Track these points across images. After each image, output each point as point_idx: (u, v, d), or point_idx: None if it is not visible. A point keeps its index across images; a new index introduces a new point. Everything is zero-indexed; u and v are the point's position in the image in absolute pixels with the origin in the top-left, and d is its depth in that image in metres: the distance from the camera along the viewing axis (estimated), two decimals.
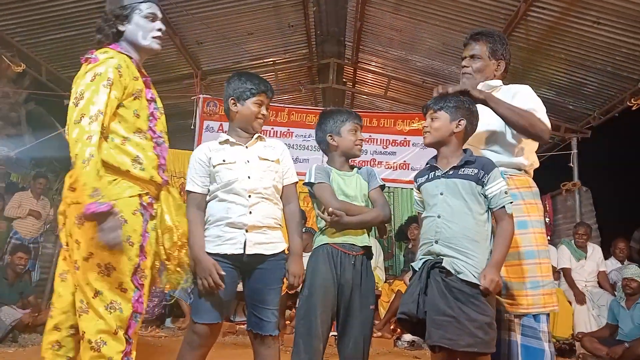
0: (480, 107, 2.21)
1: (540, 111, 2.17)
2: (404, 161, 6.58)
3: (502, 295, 2.06)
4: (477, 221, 2.03)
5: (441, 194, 2.09)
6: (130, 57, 1.94)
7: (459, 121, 2.13)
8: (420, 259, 2.10)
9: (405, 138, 6.65)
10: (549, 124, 2.18)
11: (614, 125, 6.35)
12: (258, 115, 2.29)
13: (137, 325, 1.86)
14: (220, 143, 2.30)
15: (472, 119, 2.16)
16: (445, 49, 6.23)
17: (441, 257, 2.02)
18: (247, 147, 2.29)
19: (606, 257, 5.80)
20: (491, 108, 2.13)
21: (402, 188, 6.80)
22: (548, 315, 2.12)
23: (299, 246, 2.29)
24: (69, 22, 5.26)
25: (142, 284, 1.85)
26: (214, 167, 2.23)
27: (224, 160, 2.23)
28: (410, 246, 5.91)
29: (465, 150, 2.16)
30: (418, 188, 2.24)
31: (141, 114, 1.91)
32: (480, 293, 1.93)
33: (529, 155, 2.25)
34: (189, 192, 2.26)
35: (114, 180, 1.84)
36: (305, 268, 2.32)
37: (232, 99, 2.29)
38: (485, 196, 2.05)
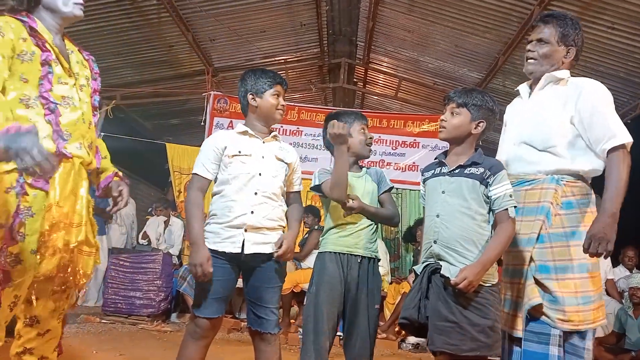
0: (539, 100, 2.10)
1: (618, 131, 1.96)
2: (413, 162, 6.56)
3: (552, 310, 1.93)
4: (476, 221, 2.00)
5: (443, 192, 2.06)
6: (23, 21, 1.79)
7: (479, 122, 2.08)
8: (423, 262, 2.09)
9: (414, 139, 6.64)
10: (626, 137, 1.96)
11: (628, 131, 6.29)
12: (278, 106, 2.32)
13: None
14: (238, 133, 2.31)
15: (493, 121, 2.11)
16: (457, 51, 6.22)
17: (441, 261, 2.00)
18: (264, 142, 2.31)
19: (614, 265, 5.75)
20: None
21: (410, 189, 6.78)
22: (595, 330, 1.99)
23: (295, 229, 2.35)
24: None
25: (7, 270, 1.68)
26: (228, 157, 2.24)
27: (239, 152, 2.24)
28: (418, 247, 5.89)
29: (476, 149, 2.12)
30: (423, 182, 2.22)
31: (29, 79, 1.77)
32: (482, 294, 1.91)
33: (592, 160, 2.03)
34: (196, 174, 2.26)
35: None
36: (312, 266, 2.36)
37: (250, 94, 2.31)
38: (489, 197, 2.01)
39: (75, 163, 1.85)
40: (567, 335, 1.93)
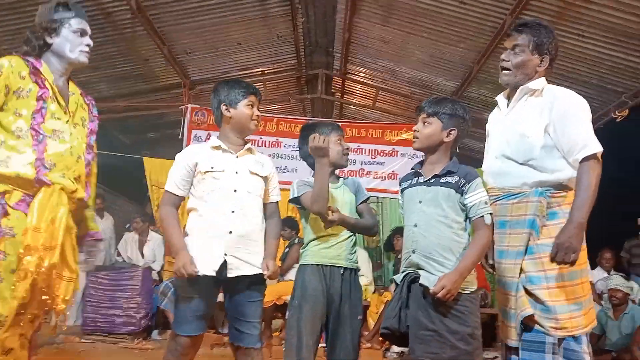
0: (516, 113, 2.13)
1: (589, 141, 2.00)
2: (392, 171, 6.59)
3: (545, 319, 1.96)
4: (453, 230, 2.02)
5: (420, 202, 2.09)
6: (27, 61, 1.97)
7: (450, 131, 2.12)
8: (402, 271, 2.10)
9: (393, 148, 6.67)
10: (596, 147, 2.00)
11: (599, 136, 6.37)
12: (252, 116, 2.30)
13: None
14: (212, 148, 2.28)
15: (465, 128, 2.14)
16: (432, 61, 6.29)
17: (420, 270, 2.02)
18: (237, 156, 2.28)
19: (592, 267, 5.85)
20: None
21: (390, 198, 6.81)
22: (588, 334, 2.02)
23: (274, 248, 2.33)
24: None
25: None
26: (201, 173, 2.21)
27: (212, 168, 2.21)
28: (399, 256, 5.91)
29: (451, 158, 2.15)
30: (401, 192, 2.24)
31: (23, 113, 1.92)
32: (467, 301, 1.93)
33: (570, 169, 2.05)
34: (167, 191, 2.24)
35: None
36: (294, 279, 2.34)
37: (224, 105, 2.29)
38: (465, 205, 2.04)
39: (55, 189, 1.93)
40: (562, 342, 1.96)
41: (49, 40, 2.02)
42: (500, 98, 2.29)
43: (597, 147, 2.00)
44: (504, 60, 2.17)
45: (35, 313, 1.92)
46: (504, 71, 2.17)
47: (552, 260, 1.93)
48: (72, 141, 2.03)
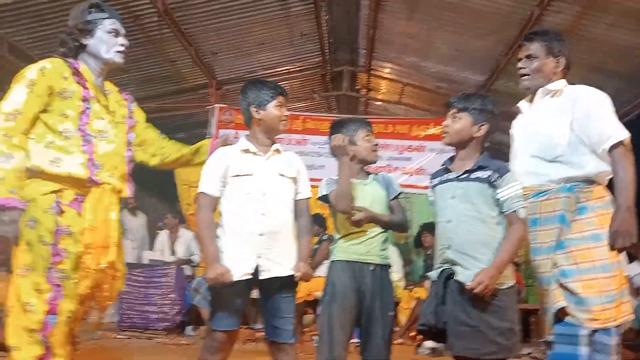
0: (538, 114, 2.17)
1: (614, 130, 2.03)
2: (420, 167, 6.55)
3: (579, 311, 1.98)
4: (487, 224, 2.03)
5: (452, 197, 2.09)
6: (69, 62, 2.01)
7: (481, 125, 2.12)
8: (437, 268, 2.11)
9: (420, 143, 6.63)
10: (622, 134, 2.02)
11: (631, 128, 6.25)
12: (281, 117, 2.32)
13: (55, 329, 1.84)
14: (241, 151, 2.30)
15: (495, 124, 2.15)
16: (459, 55, 6.23)
17: (455, 266, 2.02)
18: (266, 159, 2.29)
19: (630, 261, 5.71)
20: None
21: (419, 194, 6.76)
22: (619, 327, 2.03)
23: (306, 247, 2.32)
24: None
25: (59, 285, 1.85)
26: (231, 176, 2.23)
27: (241, 172, 2.23)
28: (428, 252, 5.89)
29: (482, 153, 2.15)
30: (432, 189, 2.25)
31: (69, 114, 1.96)
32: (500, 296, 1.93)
33: (598, 162, 2.08)
34: (202, 193, 2.24)
35: (29, 180, 1.90)
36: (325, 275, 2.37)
37: (253, 107, 2.29)
38: (498, 199, 2.04)
39: (105, 189, 2.00)
40: (593, 334, 1.97)
41: (84, 41, 2.05)
42: (522, 103, 2.34)
43: (622, 135, 2.02)
44: (521, 68, 2.24)
45: (85, 309, 2.01)
46: (523, 77, 2.24)
47: (612, 248, 1.96)
48: (116, 141, 2.08)
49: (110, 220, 1.99)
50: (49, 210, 1.88)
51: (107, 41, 2.07)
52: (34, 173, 1.90)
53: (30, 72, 1.92)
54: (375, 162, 2.52)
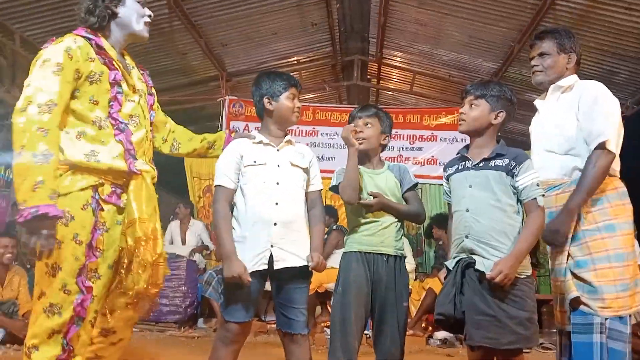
0: (550, 109, 2.23)
1: (602, 131, 2.07)
2: (432, 156, 6.51)
3: (593, 300, 2.03)
4: (506, 213, 2.00)
5: (470, 186, 2.07)
6: (89, 39, 1.83)
7: (499, 113, 2.10)
8: (454, 257, 2.08)
9: (432, 133, 6.58)
10: (605, 135, 2.07)
11: None
12: (294, 109, 2.30)
13: (81, 330, 1.75)
14: (254, 143, 2.29)
15: (512, 111, 2.13)
16: (471, 42, 6.15)
17: (474, 255, 1.99)
18: (278, 149, 2.28)
19: None
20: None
21: (430, 184, 6.72)
22: (631, 316, 2.09)
23: (319, 237, 2.32)
24: None
25: (89, 287, 1.75)
26: (244, 166, 2.23)
27: (254, 162, 2.23)
28: (440, 243, 5.84)
29: (498, 141, 2.12)
30: (447, 178, 2.22)
31: (100, 100, 1.81)
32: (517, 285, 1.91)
33: None
34: (219, 186, 2.24)
35: (64, 173, 1.75)
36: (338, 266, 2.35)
37: (266, 98, 2.28)
38: (516, 188, 2.01)
39: (145, 177, 1.89)
40: (608, 322, 2.02)
41: (115, 9, 1.89)
42: (538, 101, 2.42)
43: (607, 136, 2.06)
44: (535, 65, 2.34)
45: (150, 303, 1.94)
46: (536, 72, 2.33)
47: (543, 240, 2.12)
48: (145, 124, 1.96)
49: (156, 210, 1.89)
50: (87, 206, 1.75)
51: (138, 10, 1.93)
52: (68, 167, 1.75)
53: (56, 54, 1.73)
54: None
